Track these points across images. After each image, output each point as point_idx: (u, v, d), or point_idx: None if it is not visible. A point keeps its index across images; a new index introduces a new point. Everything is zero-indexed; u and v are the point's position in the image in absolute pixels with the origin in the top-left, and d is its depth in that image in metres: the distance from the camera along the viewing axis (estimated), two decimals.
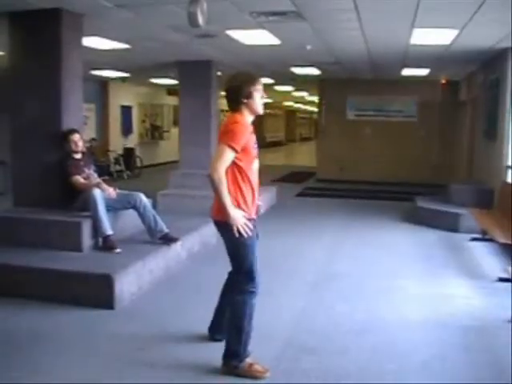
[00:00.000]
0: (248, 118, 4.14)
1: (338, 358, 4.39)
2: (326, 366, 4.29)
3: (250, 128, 4.09)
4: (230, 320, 4.18)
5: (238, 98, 4.08)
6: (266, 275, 4.76)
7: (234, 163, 3.94)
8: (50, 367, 4.21)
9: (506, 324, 5.23)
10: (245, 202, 4.04)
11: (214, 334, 4.65)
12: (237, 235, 3.96)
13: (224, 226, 4.02)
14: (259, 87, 4.15)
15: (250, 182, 4.07)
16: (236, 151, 3.90)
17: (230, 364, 4.11)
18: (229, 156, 3.89)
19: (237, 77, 4.19)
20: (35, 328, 4.97)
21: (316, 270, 7.10)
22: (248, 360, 4.12)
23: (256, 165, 4.15)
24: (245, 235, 3.96)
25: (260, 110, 4.20)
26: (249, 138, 4.02)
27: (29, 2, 6.51)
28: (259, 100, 4.15)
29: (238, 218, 3.93)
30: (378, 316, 5.46)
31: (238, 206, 3.99)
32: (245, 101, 4.07)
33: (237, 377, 4.06)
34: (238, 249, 4.10)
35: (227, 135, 3.93)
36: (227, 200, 3.90)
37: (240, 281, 4.14)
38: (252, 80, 4.13)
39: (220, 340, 4.45)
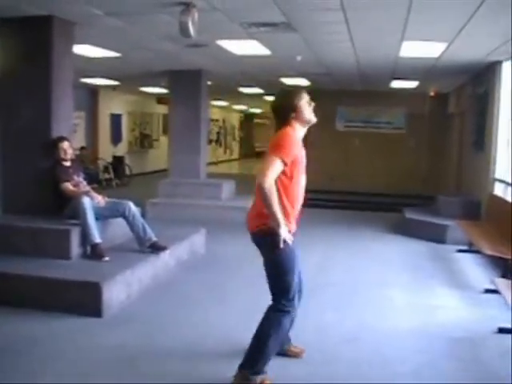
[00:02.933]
0: (299, 130, 4.11)
1: (327, 367, 4.39)
2: (315, 374, 4.30)
3: (300, 141, 4.08)
4: (258, 333, 4.08)
5: (285, 114, 4.07)
6: (256, 284, 4.79)
7: (280, 177, 3.88)
8: (36, 376, 4.18)
9: (493, 335, 5.27)
10: (287, 216, 3.95)
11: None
12: (280, 246, 3.86)
13: (264, 238, 3.96)
14: (304, 97, 4.13)
15: (293, 196, 4.02)
16: (285, 163, 3.84)
17: (244, 372, 4.01)
18: (278, 166, 3.81)
19: (281, 94, 4.26)
20: (22, 336, 4.95)
21: (306, 280, 7.10)
22: (261, 376, 4.03)
23: (303, 180, 4.11)
24: (283, 247, 3.87)
25: (312, 119, 4.15)
26: (298, 152, 3.99)
27: (21, 9, 6.52)
28: (308, 109, 4.12)
29: (285, 231, 3.86)
30: (368, 325, 5.48)
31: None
32: (293, 115, 4.06)
33: None
34: (277, 266, 4.04)
35: (277, 147, 3.87)
36: (278, 208, 3.79)
37: (277, 299, 4.09)
38: (296, 94, 4.14)
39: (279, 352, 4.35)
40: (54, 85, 6.95)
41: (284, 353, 4.51)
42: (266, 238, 3.93)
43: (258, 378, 4.02)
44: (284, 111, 4.09)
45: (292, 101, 4.08)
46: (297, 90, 4.25)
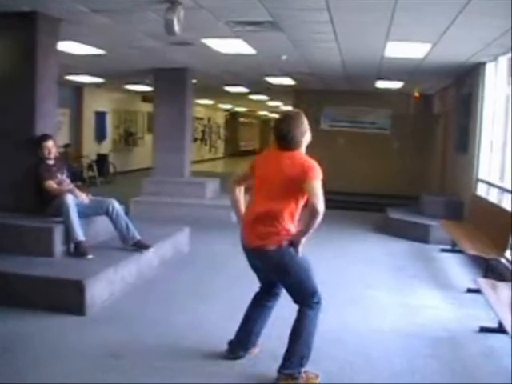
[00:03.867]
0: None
1: (309, 367, 4.38)
2: None
3: None
4: (300, 333, 4.19)
5: (300, 139, 4.19)
6: (239, 282, 4.79)
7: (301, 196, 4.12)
8: (13, 376, 4.14)
9: (474, 334, 5.31)
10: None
11: (238, 350, 4.52)
12: (300, 254, 4.14)
13: (284, 253, 4.12)
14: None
15: None
16: None
17: (292, 374, 4.12)
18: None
19: (293, 119, 4.25)
20: (4, 333, 4.92)
21: None
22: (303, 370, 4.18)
23: None
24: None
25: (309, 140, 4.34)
26: None
27: (5, 4, 6.46)
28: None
29: None
30: (350, 325, 5.50)
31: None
32: (304, 139, 4.22)
33: None
34: (303, 272, 4.20)
35: (314, 172, 4.03)
36: None
37: (310, 300, 4.23)
38: (304, 118, 4.27)
39: (241, 357, 4.48)
40: (38, 82, 6.89)
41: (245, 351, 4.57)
42: (286, 252, 4.11)
43: (302, 374, 4.15)
44: (299, 137, 4.18)
45: (305, 126, 4.23)
46: (301, 113, 4.33)
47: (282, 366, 4.13)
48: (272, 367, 4.17)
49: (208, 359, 4.48)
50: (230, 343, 4.53)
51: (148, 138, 21.64)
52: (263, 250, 4.12)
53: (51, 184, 6.66)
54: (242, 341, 4.52)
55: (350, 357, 4.71)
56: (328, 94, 16.57)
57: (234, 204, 4.46)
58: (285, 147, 4.18)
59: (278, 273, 4.24)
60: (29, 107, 6.89)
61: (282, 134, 4.18)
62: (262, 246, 4.12)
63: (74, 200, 6.47)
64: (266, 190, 4.16)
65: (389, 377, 4.35)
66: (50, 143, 6.83)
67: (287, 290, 4.31)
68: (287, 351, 4.16)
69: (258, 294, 4.56)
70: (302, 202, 4.15)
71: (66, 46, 8.93)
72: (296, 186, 4.04)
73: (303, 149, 4.24)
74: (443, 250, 9.00)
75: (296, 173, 4.04)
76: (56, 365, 4.35)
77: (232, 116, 38.06)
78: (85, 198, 6.70)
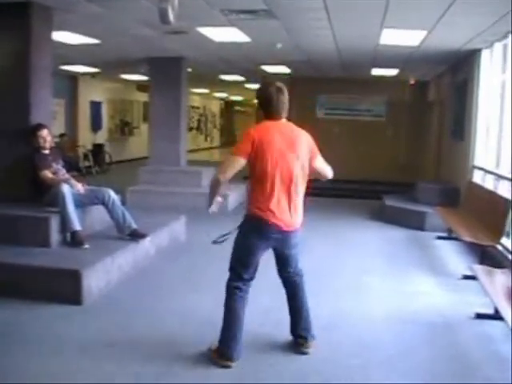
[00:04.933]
0: None
1: (304, 354, 4.42)
2: (292, 360, 4.34)
3: None
4: (306, 299, 4.59)
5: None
6: None
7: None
8: (11, 365, 4.15)
9: (470, 320, 5.33)
10: None
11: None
12: None
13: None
14: None
15: None
16: None
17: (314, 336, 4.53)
18: None
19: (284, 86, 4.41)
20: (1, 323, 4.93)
21: None
22: None
23: None
24: None
25: None
26: None
27: None
28: None
29: None
30: (344, 312, 5.51)
31: None
32: None
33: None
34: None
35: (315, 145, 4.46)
36: None
37: (300, 265, 4.59)
38: None
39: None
40: (32, 72, 6.87)
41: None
42: None
43: None
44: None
45: None
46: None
47: (310, 333, 4.50)
48: (268, 354, 4.17)
49: (202, 348, 4.48)
50: (229, 353, 4.21)
51: (144, 127, 21.60)
52: (297, 229, 4.31)
53: (47, 173, 6.65)
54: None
55: (344, 342, 4.74)
56: (323, 81, 16.53)
57: (217, 190, 4.58)
58: (283, 115, 4.35)
59: (295, 246, 4.40)
60: (23, 97, 6.86)
61: (281, 102, 4.33)
62: (298, 227, 4.30)
63: (70, 190, 6.47)
64: (288, 175, 4.20)
65: (383, 362, 4.37)
66: (44, 132, 6.81)
67: (291, 261, 4.47)
68: (306, 318, 4.52)
69: (239, 289, 4.40)
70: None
71: (61, 36, 8.90)
72: (307, 164, 4.33)
73: None
74: (439, 237, 9.02)
75: (307, 148, 4.36)
76: (44, 353, 4.35)
77: (227, 105, 37.97)
78: (80, 187, 6.68)
